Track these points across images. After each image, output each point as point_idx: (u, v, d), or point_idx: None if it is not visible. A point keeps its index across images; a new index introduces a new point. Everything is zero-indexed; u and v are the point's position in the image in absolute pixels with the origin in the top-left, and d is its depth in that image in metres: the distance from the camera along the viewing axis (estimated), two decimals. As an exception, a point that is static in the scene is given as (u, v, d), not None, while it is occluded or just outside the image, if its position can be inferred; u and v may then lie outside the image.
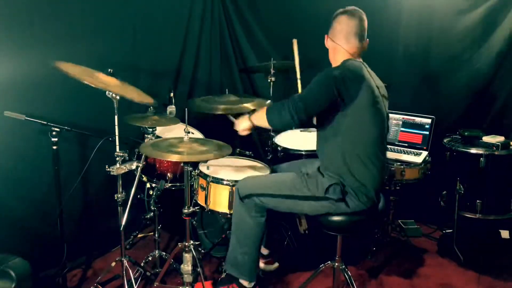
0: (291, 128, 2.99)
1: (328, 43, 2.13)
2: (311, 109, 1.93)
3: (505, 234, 2.98)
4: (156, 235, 2.58)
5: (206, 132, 2.89)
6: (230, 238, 2.24)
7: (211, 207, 2.34)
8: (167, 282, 2.46)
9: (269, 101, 2.95)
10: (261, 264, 2.56)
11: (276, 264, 2.61)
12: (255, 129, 2.19)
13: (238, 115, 2.34)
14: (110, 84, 2.07)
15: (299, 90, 2.53)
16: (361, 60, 2.10)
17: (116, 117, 2.06)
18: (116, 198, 2.14)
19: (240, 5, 3.61)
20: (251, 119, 2.15)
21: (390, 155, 2.83)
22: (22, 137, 2.28)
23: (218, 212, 2.34)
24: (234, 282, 2.23)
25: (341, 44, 2.06)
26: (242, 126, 2.21)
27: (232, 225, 2.22)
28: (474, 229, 2.90)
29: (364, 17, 2.07)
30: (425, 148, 2.89)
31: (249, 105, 2.64)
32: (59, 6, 2.37)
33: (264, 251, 2.59)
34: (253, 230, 2.15)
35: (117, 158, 2.09)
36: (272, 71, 3.12)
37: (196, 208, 2.24)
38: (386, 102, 2.12)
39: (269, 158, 3.06)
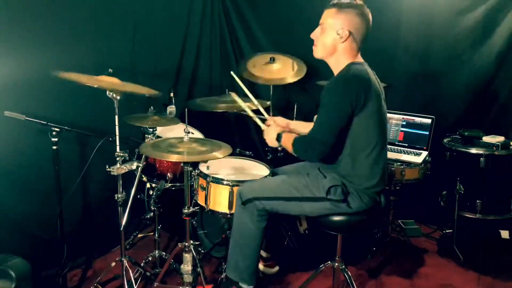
0: None
1: (345, 37, 1.91)
2: (333, 142, 1.90)
3: (505, 234, 2.98)
4: (156, 235, 2.58)
5: (207, 132, 2.89)
6: (230, 242, 2.23)
7: (211, 207, 2.34)
8: (167, 282, 2.46)
9: (269, 102, 2.97)
10: (262, 267, 2.56)
11: (277, 268, 2.61)
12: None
13: (263, 120, 2.31)
14: (113, 83, 2.08)
15: (261, 125, 2.30)
16: (362, 60, 2.05)
17: (116, 117, 2.06)
18: (116, 198, 2.14)
19: (240, 5, 3.61)
20: (279, 140, 2.10)
21: (390, 155, 2.83)
22: (22, 137, 2.28)
23: (218, 212, 2.34)
24: (235, 286, 2.22)
25: (357, 43, 1.95)
26: (271, 138, 2.15)
27: (232, 229, 2.21)
28: (474, 229, 2.90)
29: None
30: (425, 148, 2.89)
31: (249, 106, 2.65)
32: (59, 6, 2.37)
33: (265, 254, 2.58)
34: (253, 235, 2.14)
35: (118, 158, 2.09)
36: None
37: (196, 208, 2.24)
38: (384, 102, 2.12)
39: (269, 158, 3.06)
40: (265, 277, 2.54)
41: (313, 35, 2.02)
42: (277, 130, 2.14)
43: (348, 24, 1.91)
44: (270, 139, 2.16)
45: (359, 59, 2.02)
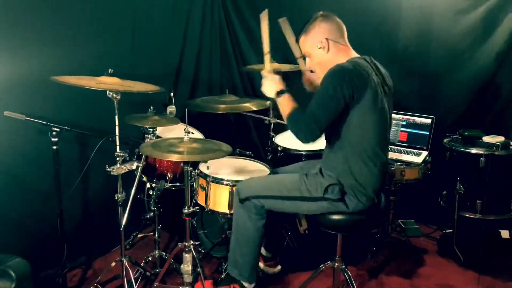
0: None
1: (326, 45, 1.99)
2: (324, 127, 1.89)
3: (505, 234, 2.98)
4: (156, 235, 2.58)
5: (206, 132, 2.89)
6: (231, 239, 2.24)
7: (211, 207, 2.34)
8: (167, 282, 2.46)
9: (268, 102, 2.96)
10: (263, 266, 2.56)
11: (279, 267, 2.61)
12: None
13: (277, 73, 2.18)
14: (114, 83, 2.08)
15: (267, 67, 2.16)
16: (357, 54, 2.06)
17: (116, 117, 2.06)
18: (116, 198, 2.14)
19: (240, 5, 3.61)
20: (276, 99, 2.04)
21: (390, 155, 2.81)
22: (22, 137, 2.27)
23: (218, 212, 2.34)
24: (235, 283, 2.23)
25: (341, 42, 2.02)
26: (270, 89, 2.07)
27: (232, 227, 2.22)
28: (474, 229, 2.90)
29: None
30: (425, 148, 2.89)
31: (249, 105, 2.65)
32: (59, 7, 2.37)
33: (266, 253, 2.58)
34: (252, 232, 2.15)
35: (117, 158, 2.09)
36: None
37: (196, 208, 2.24)
38: (390, 98, 2.10)
39: (269, 158, 3.06)
40: (265, 277, 2.54)
41: (308, 68, 2.11)
42: (283, 85, 2.06)
43: (319, 35, 2.00)
44: (269, 88, 2.07)
45: (355, 54, 2.05)
